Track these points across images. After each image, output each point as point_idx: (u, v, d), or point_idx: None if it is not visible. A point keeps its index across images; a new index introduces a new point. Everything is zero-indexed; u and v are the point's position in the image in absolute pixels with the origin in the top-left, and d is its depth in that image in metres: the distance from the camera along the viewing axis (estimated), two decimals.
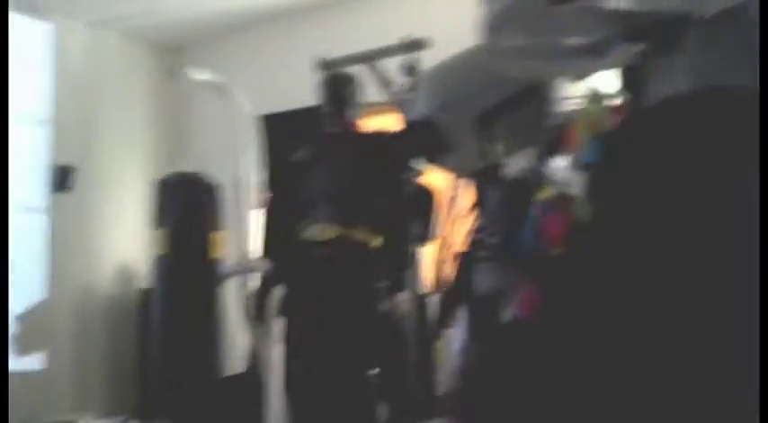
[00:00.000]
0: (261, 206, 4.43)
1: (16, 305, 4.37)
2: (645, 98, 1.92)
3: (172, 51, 5.16)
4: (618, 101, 1.90)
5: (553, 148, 2.20)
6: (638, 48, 1.64)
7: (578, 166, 1.94)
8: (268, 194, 4.48)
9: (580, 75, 1.91)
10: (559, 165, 2.13)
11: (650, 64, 1.97)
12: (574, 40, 1.68)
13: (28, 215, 4.54)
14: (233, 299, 3.85)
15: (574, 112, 2.25)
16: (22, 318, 4.42)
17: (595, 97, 2.00)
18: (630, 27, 1.60)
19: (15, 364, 4.33)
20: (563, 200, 2.03)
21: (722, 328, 0.72)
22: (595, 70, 1.86)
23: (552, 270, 1.93)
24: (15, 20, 4.47)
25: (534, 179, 2.27)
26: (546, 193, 2.14)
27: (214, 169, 3.96)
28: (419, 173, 3.01)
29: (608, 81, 2.06)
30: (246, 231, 3.72)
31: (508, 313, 2.27)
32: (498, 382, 2.27)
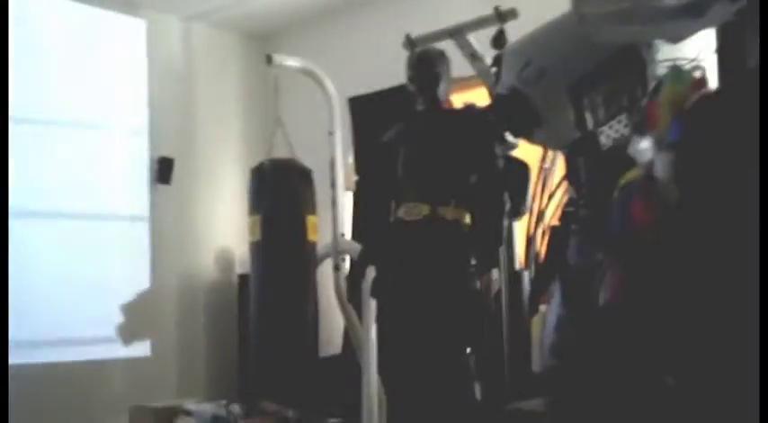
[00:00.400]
0: (352, 189, 4.49)
1: (123, 295, 4.60)
2: (744, 60, 1.82)
3: (262, 40, 5.27)
4: (704, 72, 1.78)
5: (641, 126, 2.12)
6: (737, 5, 1.56)
7: (661, 146, 1.84)
8: (359, 176, 4.55)
9: (678, 36, 1.83)
10: (644, 145, 2.04)
11: (749, 23, 1.87)
12: (670, 0, 1.61)
13: (131, 208, 4.75)
14: (328, 281, 3.91)
15: (665, 81, 2.15)
16: (128, 307, 4.63)
17: (678, 74, 1.89)
18: None
19: (122, 351, 4.56)
20: (649, 182, 1.94)
21: None
22: (694, 31, 1.78)
23: (640, 256, 1.84)
24: (108, 17, 4.68)
25: (625, 153, 2.19)
26: (632, 174, 2.05)
27: (306, 154, 4.02)
28: (512, 146, 2.96)
29: (705, 45, 1.97)
30: (339, 214, 3.76)
31: (600, 294, 2.21)
32: (594, 360, 2.22)
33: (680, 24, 1.65)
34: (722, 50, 2.05)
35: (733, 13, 1.59)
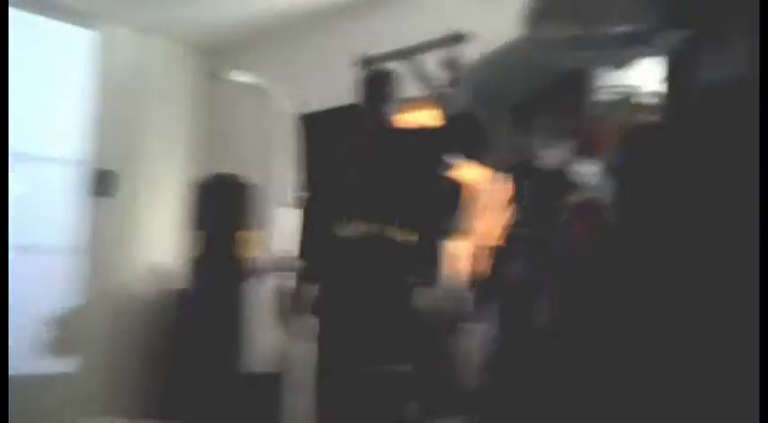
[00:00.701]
0: (298, 205, 4.46)
1: (54, 308, 4.45)
2: (692, 88, 1.90)
3: (212, 54, 5.23)
4: (651, 99, 1.86)
5: (584, 150, 2.18)
6: (683, 34, 1.62)
7: (609, 169, 1.90)
8: (305, 193, 4.52)
9: (623, 63, 1.89)
10: (590, 168, 2.10)
11: (697, 51, 1.95)
12: (616, 29, 1.66)
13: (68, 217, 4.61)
14: (266, 298, 3.87)
15: (610, 106, 2.22)
16: (57, 320, 4.48)
17: (625, 101, 1.96)
18: (675, 12, 1.57)
19: (49, 366, 4.39)
20: (593, 205, 1.99)
21: (747, 332, 0.68)
22: (639, 58, 1.84)
23: (582, 276, 1.90)
24: (57, 28, 4.58)
25: (569, 176, 2.25)
26: (576, 197, 2.11)
27: (252, 170, 3.99)
28: (451, 167, 3.00)
29: (651, 72, 2.05)
30: (283, 230, 3.74)
31: (539, 311, 2.25)
32: (524, 379, 2.25)
33: (627, 52, 1.71)
34: (669, 78, 2.13)
35: (679, 42, 1.65)
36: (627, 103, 2.04)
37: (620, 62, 1.84)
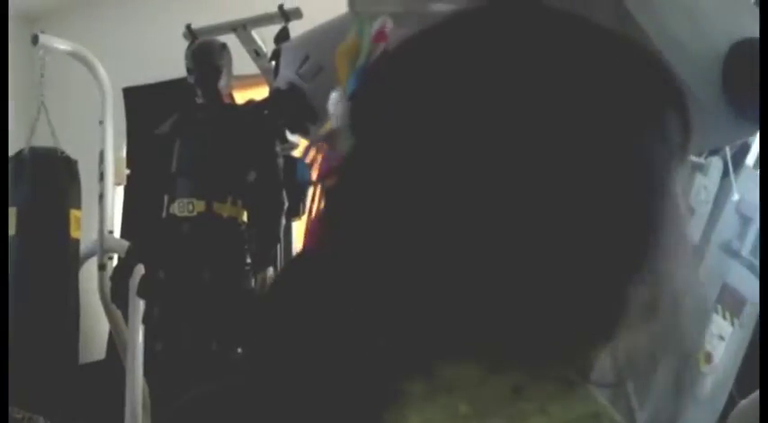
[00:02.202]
0: (122, 182, 4.25)
1: None
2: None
3: (30, 20, 4.85)
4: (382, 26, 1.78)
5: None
6: None
7: (345, 97, 1.84)
8: (131, 170, 4.32)
9: None
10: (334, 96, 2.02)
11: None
12: (441, 7, 1.67)
13: None
14: (91, 281, 3.66)
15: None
16: None
17: (360, 25, 1.85)
18: None
19: None
20: (334, 134, 1.95)
21: None
22: None
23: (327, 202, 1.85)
24: None
25: None
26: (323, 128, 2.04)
27: (72, 145, 3.73)
28: (293, 145, 2.95)
29: None
30: (107, 209, 3.53)
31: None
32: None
33: None
34: None
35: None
36: (363, 28, 1.90)
37: None
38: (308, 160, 1.78)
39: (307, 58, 2.13)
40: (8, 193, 3.64)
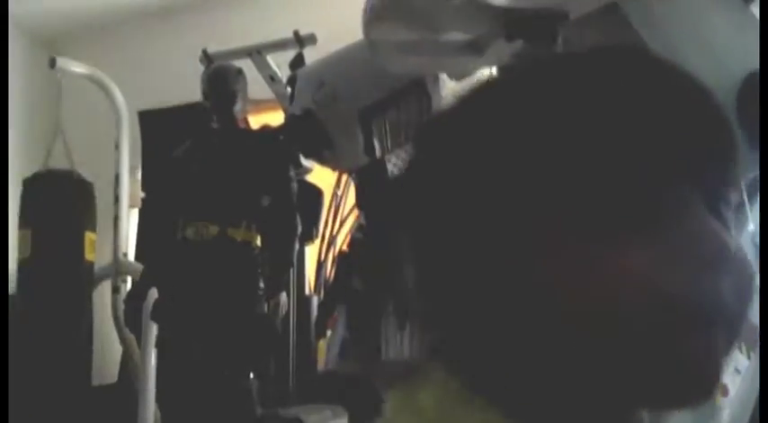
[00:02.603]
0: (137, 205, 4.27)
1: None
2: None
3: (48, 43, 4.91)
4: None
5: None
6: (515, 46, 1.66)
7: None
8: (146, 193, 4.34)
9: (461, 73, 1.93)
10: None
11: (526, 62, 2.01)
12: (454, 36, 1.69)
13: None
14: (105, 304, 3.67)
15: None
16: None
17: None
18: (509, 24, 1.61)
19: None
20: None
21: None
22: (475, 68, 1.88)
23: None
24: None
25: None
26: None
27: (88, 167, 3.76)
28: (307, 170, 2.96)
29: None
30: (122, 232, 3.56)
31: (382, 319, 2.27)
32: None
33: (462, 61, 1.73)
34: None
35: (510, 55, 1.70)
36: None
37: (456, 71, 1.87)
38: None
39: (322, 84, 2.14)
40: (25, 214, 3.68)
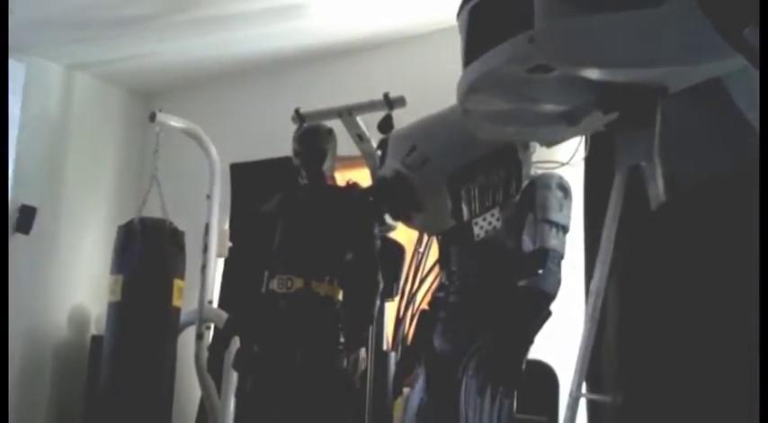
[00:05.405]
0: (224, 255, 4.40)
1: None
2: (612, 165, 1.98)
3: (146, 96, 5.16)
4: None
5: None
6: (609, 117, 1.68)
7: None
8: (234, 244, 4.47)
9: (552, 140, 1.95)
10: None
11: (619, 134, 2.02)
12: (548, 107, 1.71)
13: None
14: (188, 349, 3.76)
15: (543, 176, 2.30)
16: None
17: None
18: (603, 96, 1.63)
19: None
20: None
21: None
22: (567, 137, 1.90)
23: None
24: None
25: (495, 245, 2.29)
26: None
27: (180, 216, 3.91)
28: (390, 228, 3.00)
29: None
30: (208, 280, 3.66)
31: (463, 381, 2.25)
32: None
33: (555, 129, 1.76)
34: (591, 157, 2.21)
35: (604, 124, 1.71)
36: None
37: (548, 139, 1.89)
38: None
39: (414, 148, 2.18)
40: (118, 260, 3.83)
